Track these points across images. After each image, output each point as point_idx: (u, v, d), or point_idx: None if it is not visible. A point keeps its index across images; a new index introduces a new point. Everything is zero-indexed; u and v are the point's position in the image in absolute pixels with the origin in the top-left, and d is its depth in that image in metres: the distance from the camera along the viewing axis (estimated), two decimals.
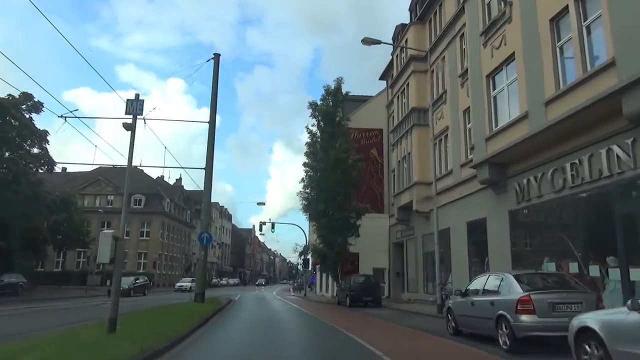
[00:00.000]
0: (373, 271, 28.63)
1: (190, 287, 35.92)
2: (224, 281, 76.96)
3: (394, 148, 27.29)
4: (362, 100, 32.94)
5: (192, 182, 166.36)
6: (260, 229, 36.06)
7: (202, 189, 17.39)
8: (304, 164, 26.97)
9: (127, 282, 31.43)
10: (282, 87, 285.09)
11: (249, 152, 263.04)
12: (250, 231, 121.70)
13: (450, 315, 10.74)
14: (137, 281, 33.92)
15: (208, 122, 16.77)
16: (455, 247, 19.32)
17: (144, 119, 8.78)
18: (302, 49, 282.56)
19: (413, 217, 24.38)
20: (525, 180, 13.81)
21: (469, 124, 18.74)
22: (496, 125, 15.13)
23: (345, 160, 25.60)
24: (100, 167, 56.99)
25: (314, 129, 27.22)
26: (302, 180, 27.02)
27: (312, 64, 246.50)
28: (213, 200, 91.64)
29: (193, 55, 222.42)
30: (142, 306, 16.51)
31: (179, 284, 44.57)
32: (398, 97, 26.18)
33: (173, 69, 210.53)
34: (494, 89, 15.34)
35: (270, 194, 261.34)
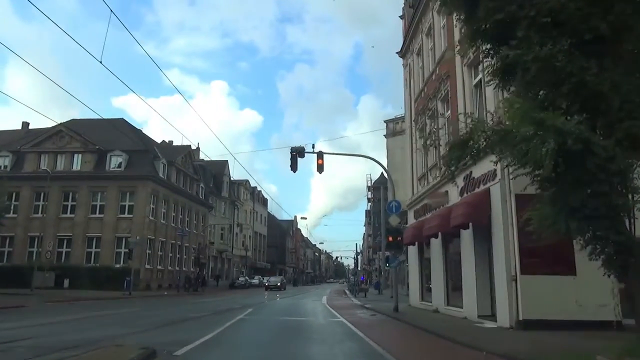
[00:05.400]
0: None
1: None
2: (255, 280, 59.35)
3: None
4: None
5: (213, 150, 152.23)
6: (294, 167, 16.67)
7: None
8: None
9: None
10: (323, 85, 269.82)
11: None
12: (292, 222, 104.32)
13: None
14: None
15: None
16: None
17: None
18: (343, 44, 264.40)
19: None
20: None
21: None
22: None
23: None
24: (72, 119, 41.32)
25: None
26: None
27: (352, 60, 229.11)
28: (242, 177, 71.94)
29: (233, 57, 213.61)
30: None
31: None
32: None
33: (214, 71, 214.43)
34: None
35: (314, 192, 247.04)
